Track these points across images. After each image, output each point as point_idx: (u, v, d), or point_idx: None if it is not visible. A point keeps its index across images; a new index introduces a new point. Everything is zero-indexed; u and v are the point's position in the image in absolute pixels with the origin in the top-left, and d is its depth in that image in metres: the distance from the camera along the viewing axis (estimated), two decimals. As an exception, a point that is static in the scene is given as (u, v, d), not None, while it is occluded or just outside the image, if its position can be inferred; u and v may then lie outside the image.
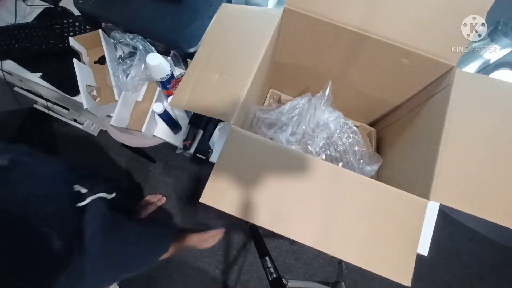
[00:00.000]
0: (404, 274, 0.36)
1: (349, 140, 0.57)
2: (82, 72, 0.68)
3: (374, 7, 0.45)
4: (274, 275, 0.68)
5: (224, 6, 0.51)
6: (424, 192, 0.39)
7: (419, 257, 0.36)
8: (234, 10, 0.50)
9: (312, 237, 0.37)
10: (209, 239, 1.22)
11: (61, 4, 0.86)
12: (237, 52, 0.46)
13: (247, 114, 0.52)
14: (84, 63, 0.73)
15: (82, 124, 1.33)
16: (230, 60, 0.46)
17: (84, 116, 1.32)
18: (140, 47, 0.66)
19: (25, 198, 0.59)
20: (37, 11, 0.85)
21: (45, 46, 0.77)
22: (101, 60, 0.76)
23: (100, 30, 0.73)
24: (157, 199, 1.32)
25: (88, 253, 0.64)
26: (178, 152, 0.67)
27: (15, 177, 0.62)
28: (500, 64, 0.64)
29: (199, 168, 1.37)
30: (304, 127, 0.54)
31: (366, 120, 0.74)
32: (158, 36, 0.68)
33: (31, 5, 0.86)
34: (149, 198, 1.32)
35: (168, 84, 0.65)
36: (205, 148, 0.64)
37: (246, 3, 0.77)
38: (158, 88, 0.70)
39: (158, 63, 0.58)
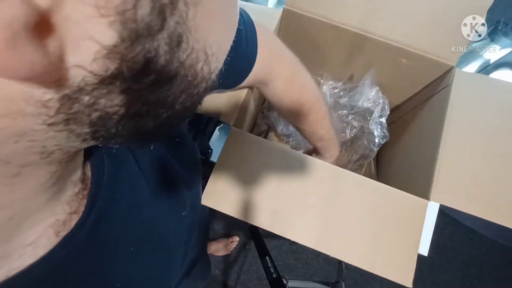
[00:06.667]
0: (405, 275, 0.36)
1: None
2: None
3: (374, 7, 0.45)
4: (274, 275, 0.68)
5: None
6: (424, 192, 0.39)
7: (419, 257, 0.36)
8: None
9: (313, 238, 0.37)
10: (224, 248, 1.21)
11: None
12: (237, 52, 0.46)
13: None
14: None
15: (82, 124, 1.33)
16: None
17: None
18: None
19: None
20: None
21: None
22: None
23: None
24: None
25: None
26: (178, 152, 0.66)
27: None
28: (500, 64, 0.64)
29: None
30: None
31: (366, 120, 0.74)
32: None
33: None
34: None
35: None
36: (205, 148, 0.64)
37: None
38: (158, 88, 0.70)
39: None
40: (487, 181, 0.39)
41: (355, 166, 0.64)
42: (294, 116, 0.41)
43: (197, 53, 0.11)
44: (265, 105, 0.71)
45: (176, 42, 0.10)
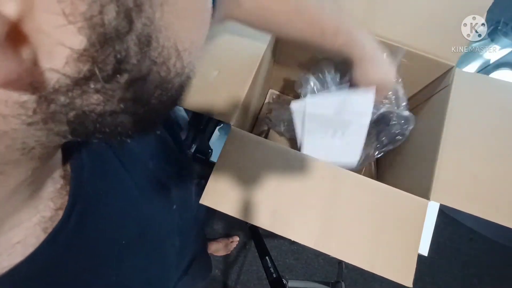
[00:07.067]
0: (405, 274, 0.36)
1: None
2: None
3: (374, 7, 0.45)
4: (274, 275, 0.68)
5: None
6: (424, 192, 0.39)
7: (419, 257, 0.36)
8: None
9: (313, 238, 0.37)
10: (224, 248, 1.21)
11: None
12: (236, 50, 0.46)
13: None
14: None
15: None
16: (228, 57, 0.45)
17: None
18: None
19: None
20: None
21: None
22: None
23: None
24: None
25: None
26: (178, 152, 0.66)
27: None
28: (500, 64, 0.64)
29: (199, 168, 1.37)
30: None
31: (366, 120, 0.74)
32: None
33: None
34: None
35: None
36: (205, 148, 0.64)
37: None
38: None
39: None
40: (487, 181, 0.39)
41: (381, 152, 0.56)
42: (284, 12, 0.33)
43: (168, 50, 0.12)
44: (265, 109, 0.71)
45: (146, 42, 0.10)
